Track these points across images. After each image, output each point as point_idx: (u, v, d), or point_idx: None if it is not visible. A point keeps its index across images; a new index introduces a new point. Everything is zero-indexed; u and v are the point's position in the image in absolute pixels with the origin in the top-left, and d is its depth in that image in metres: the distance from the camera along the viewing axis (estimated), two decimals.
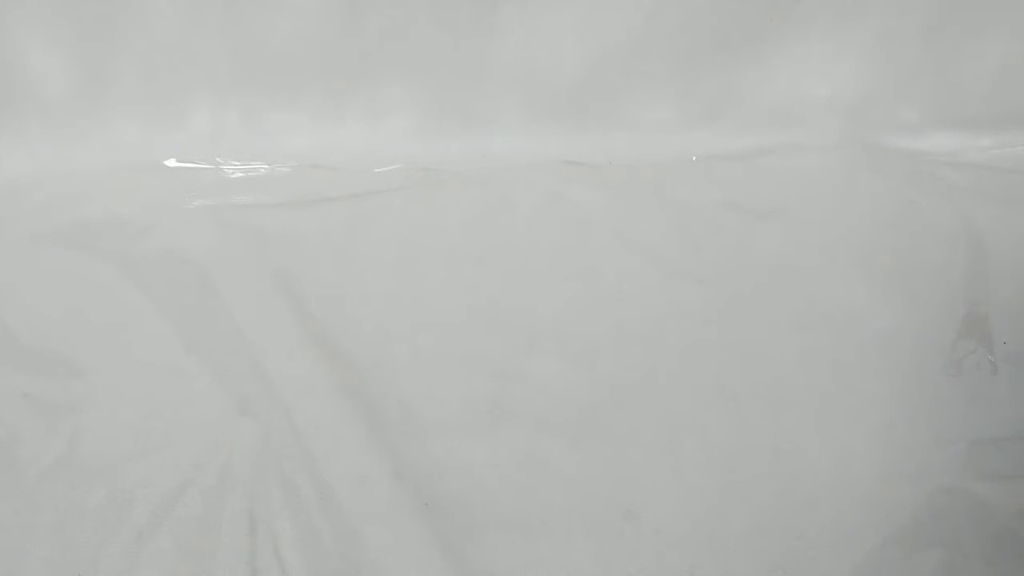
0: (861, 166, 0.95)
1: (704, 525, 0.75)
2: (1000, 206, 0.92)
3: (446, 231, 0.90)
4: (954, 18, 0.91)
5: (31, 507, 0.74)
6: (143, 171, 0.93)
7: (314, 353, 0.81)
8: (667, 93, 0.94)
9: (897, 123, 0.96)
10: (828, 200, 0.93)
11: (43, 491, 0.74)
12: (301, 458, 0.75)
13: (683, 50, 0.92)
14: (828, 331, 0.85)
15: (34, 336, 0.82)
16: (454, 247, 0.89)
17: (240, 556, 0.72)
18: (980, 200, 0.92)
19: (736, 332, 0.84)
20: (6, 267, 0.86)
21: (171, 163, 0.94)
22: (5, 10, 0.86)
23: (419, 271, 0.87)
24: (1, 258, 0.87)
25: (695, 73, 0.93)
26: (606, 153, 0.95)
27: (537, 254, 0.89)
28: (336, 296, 0.85)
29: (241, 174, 0.94)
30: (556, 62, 0.92)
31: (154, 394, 0.79)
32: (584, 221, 0.91)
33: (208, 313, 0.83)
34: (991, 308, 0.85)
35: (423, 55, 0.91)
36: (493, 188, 0.93)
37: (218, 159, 0.94)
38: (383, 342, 0.83)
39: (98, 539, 0.72)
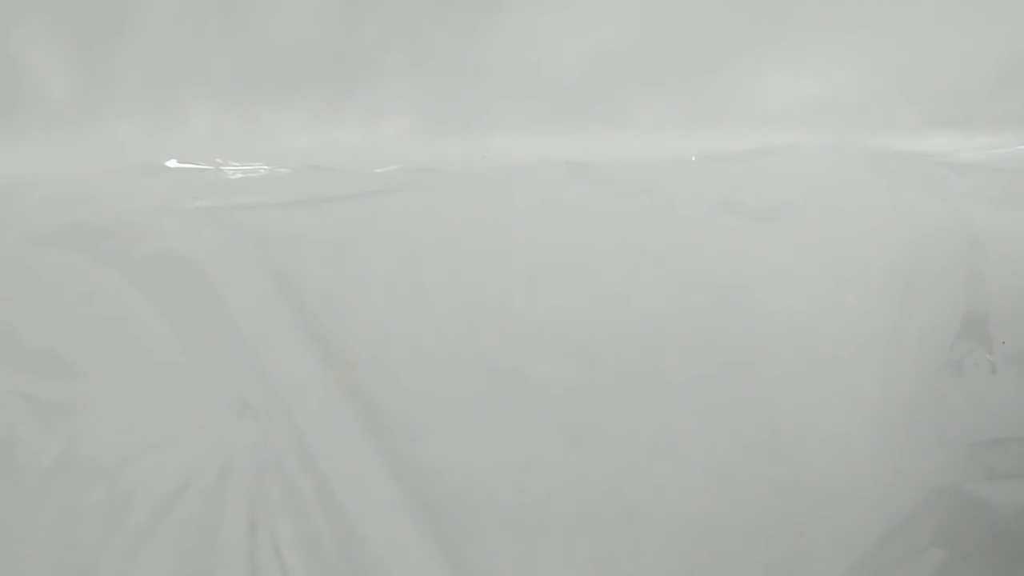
0: (861, 166, 0.95)
1: (704, 525, 0.75)
2: (999, 206, 0.92)
3: (446, 231, 0.90)
4: (954, 18, 0.91)
5: (31, 507, 0.74)
6: (143, 172, 0.93)
7: (314, 353, 0.81)
8: (667, 93, 0.95)
9: (897, 123, 0.96)
10: (828, 200, 0.93)
11: (43, 491, 0.74)
12: (301, 458, 0.76)
13: (683, 50, 0.92)
14: (828, 331, 0.85)
15: (34, 337, 0.82)
16: (454, 247, 0.89)
17: (240, 556, 0.72)
18: (979, 200, 0.92)
19: (736, 332, 0.85)
20: (6, 268, 0.86)
21: (171, 164, 0.94)
22: (5, 10, 0.86)
23: (419, 271, 0.87)
24: (1, 259, 0.87)
25: (695, 73, 0.93)
26: (606, 153, 0.95)
27: (537, 254, 0.89)
28: (336, 296, 0.85)
29: (241, 175, 0.94)
30: (556, 62, 0.92)
31: (154, 394, 0.79)
32: (584, 221, 0.91)
33: (208, 313, 0.83)
34: (990, 308, 0.85)
35: (423, 56, 0.91)
36: (493, 188, 0.93)
37: (218, 160, 0.94)
38: (383, 342, 0.83)
39: (98, 539, 0.72)
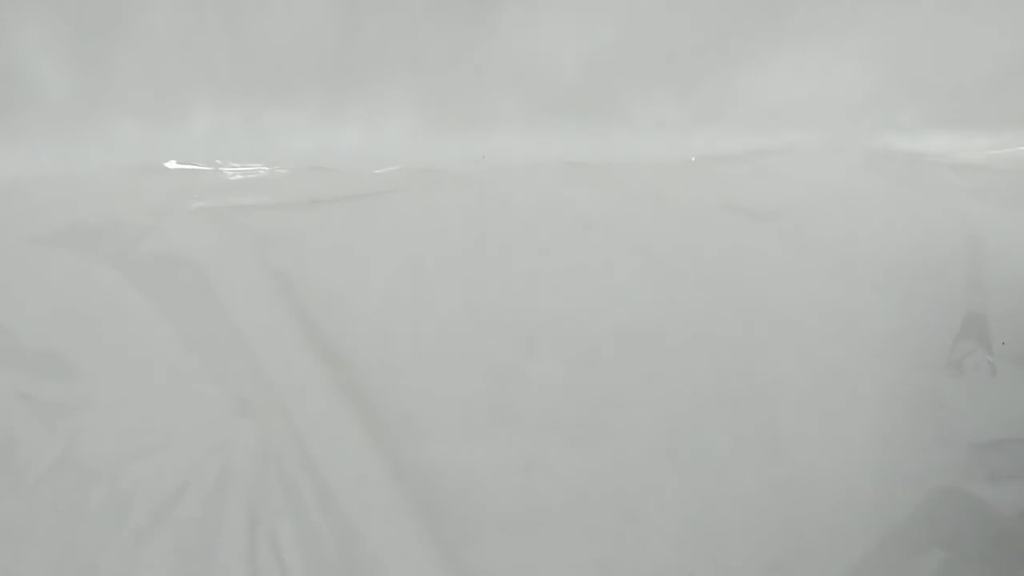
0: (861, 167, 0.95)
1: (704, 526, 0.75)
2: (999, 206, 0.92)
3: (446, 232, 0.90)
4: (954, 18, 0.91)
5: (31, 508, 0.74)
6: (143, 173, 0.93)
7: (314, 353, 0.81)
8: (667, 93, 0.95)
9: (897, 124, 0.96)
10: (828, 200, 0.93)
11: (43, 492, 0.74)
12: (301, 458, 0.76)
13: (683, 50, 0.92)
14: (828, 331, 0.85)
15: (33, 337, 0.82)
16: (454, 247, 0.89)
17: (240, 556, 0.72)
18: (979, 201, 0.92)
19: (736, 332, 0.84)
20: (6, 268, 0.86)
21: (171, 165, 0.94)
22: (5, 10, 0.86)
23: (419, 271, 0.87)
24: (1, 259, 0.87)
25: (695, 73, 0.93)
26: (606, 153, 0.95)
27: (537, 254, 0.89)
28: (336, 296, 0.85)
29: (241, 176, 0.94)
30: (556, 62, 0.92)
31: (154, 394, 0.79)
32: (584, 221, 0.91)
33: (208, 314, 0.83)
34: (990, 309, 0.85)
35: (423, 55, 0.91)
36: (493, 188, 0.93)
37: (218, 161, 0.94)
38: (383, 342, 0.83)
39: (98, 539, 0.72)
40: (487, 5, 0.88)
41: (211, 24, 0.88)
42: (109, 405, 0.79)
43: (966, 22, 0.91)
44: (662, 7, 0.89)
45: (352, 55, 0.91)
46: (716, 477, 0.77)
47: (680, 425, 0.80)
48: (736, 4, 0.89)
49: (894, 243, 0.90)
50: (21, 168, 0.91)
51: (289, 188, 0.93)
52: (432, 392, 0.80)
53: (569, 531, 0.74)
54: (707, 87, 0.94)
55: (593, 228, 0.91)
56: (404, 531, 0.73)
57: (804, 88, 0.95)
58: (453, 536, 0.73)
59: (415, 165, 0.95)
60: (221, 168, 0.94)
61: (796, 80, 0.94)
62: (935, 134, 0.96)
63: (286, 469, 0.75)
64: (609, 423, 0.80)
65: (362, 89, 0.93)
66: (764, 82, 0.94)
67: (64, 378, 0.80)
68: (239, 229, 0.89)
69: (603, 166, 0.95)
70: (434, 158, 0.95)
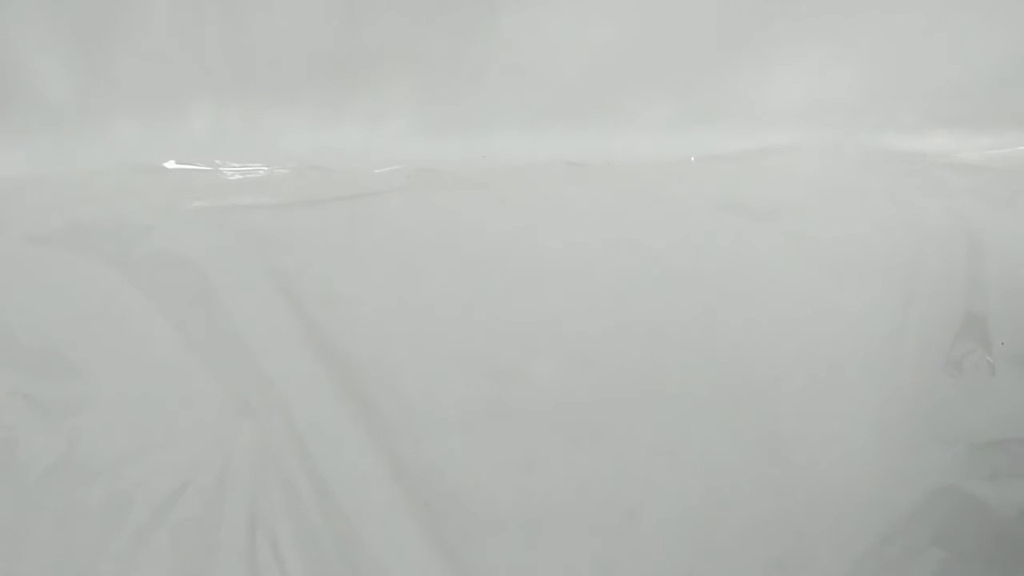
0: (861, 166, 0.95)
1: (704, 525, 0.75)
2: (999, 206, 0.92)
3: (446, 231, 0.90)
4: (954, 18, 0.91)
5: (31, 507, 0.74)
6: (142, 172, 0.93)
7: (314, 353, 0.81)
8: (667, 93, 0.95)
9: (897, 123, 0.96)
10: (827, 200, 0.93)
11: (43, 491, 0.74)
12: (301, 458, 0.75)
13: (683, 50, 0.92)
14: (828, 331, 0.85)
15: (34, 337, 0.82)
16: (454, 247, 0.89)
17: (240, 556, 0.71)
18: (979, 201, 0.92)
19: (735, 332, 0.85)
20: (6, 268, 0.86)
21: (170, 164, 0.94)
22: (5, 10, 0.86)
23: (419, 271, 0.87)
24: (1, 259, 0.87)
25: (695, 73, 0.94)
26: (606, 153, 0.95)
27: (537, 254, 0.89)
28: (336, 296, 0.85)
29: (240, 175, 0.94)
30: (556, 62, 0.92)
31: (154, 394, 0.79)
32: (584, 221, 0.91)
33: (208, 314, 0.83)
34: (989, 309, 0.85)
35: (423, 56, 0.91)
36: (493, 189, 0.93)
37: (217, 161, 0.94)
38: (383, 342, 0.83)
39: (98, 539, 0.72)
40: (487, 5, 0.88)
41: (211, 24, 0.88)
42: (109, 405, 0.79)
43: (966, 22, 0.91)
44: (662, 7, 0.89)
45: (352, 55, 0.91)
46: (716, 477, 0.77)
47: (680, 425, 0.80)
48: (736, 4, 0.89)
49: (894, 243, 0.90)
50: (21, 168, 0.91)
51: (289, 188, 0.93)
52: (432, 392, 0.80)
53: (569, 530, 0.74)
54: (707, 87, 0.95)
55: (593, 228, 0.91)
56: (404, 531, 0.73)
57: (804, 88, 0.95)
58: (453, 535, 0.73)
59: (415, 165, 0.95)
60: (221, 168, 0.94)
61: (796, 80, 0.94)
62: (935, 134, 0.97)
63: (286, 469, 0.75)
64: (609, 423, 0.80)
65: (362, 89, 0.93)
66: (764, 82, 0.94)
67: (64, 378, 0.80)
68: (239, 229, 0.89)
69: (603, 166, 0.95)
70: (434, 158, 0.95)
